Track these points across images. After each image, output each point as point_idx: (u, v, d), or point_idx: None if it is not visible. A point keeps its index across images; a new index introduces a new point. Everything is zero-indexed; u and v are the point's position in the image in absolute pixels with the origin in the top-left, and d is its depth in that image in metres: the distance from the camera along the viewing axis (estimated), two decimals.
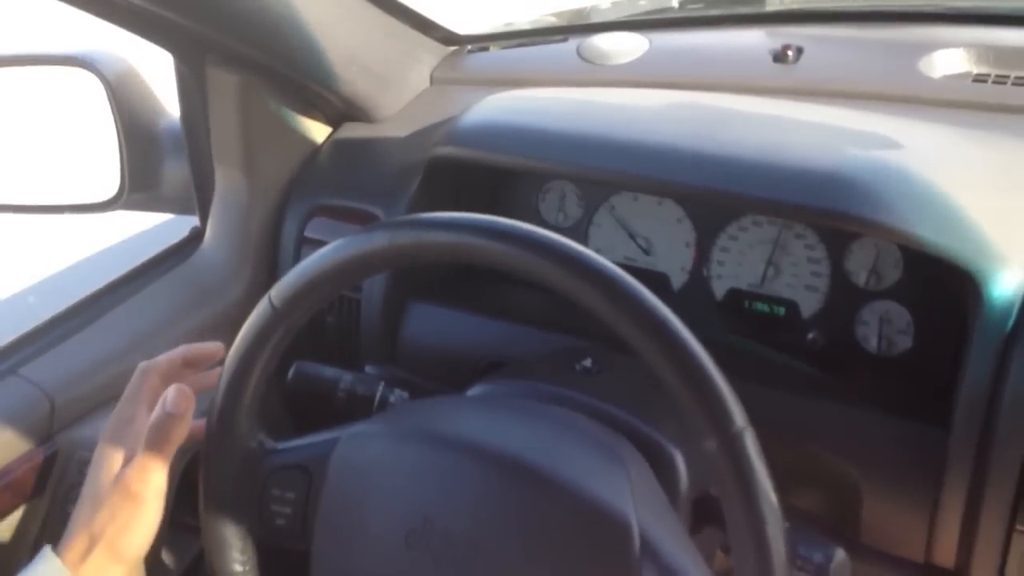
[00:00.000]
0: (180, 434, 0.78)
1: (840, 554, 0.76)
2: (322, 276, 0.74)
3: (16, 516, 0.96)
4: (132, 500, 0.76)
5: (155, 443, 0.77)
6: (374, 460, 0.77)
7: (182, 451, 1.02)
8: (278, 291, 0.75)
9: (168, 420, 0.77)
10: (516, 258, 0.68)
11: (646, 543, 0.68)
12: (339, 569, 0.77)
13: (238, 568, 0.80)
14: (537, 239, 0.68)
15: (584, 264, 0.66)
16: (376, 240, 0.72)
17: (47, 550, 0.76)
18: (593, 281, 0.66)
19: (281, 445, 0.81)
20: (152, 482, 0.77)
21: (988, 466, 0.81)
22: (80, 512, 0.78)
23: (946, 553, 0.85)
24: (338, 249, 0.73)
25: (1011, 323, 0.81)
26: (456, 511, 0.73)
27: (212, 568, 0.81)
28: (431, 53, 1.33)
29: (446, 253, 0.72)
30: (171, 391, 0.78)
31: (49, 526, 0.98)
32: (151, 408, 0.80)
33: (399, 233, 0.72)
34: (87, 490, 0.79)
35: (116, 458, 0.78)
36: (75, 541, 0.76)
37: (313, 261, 0.74)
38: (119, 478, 0.77)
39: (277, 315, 0.75)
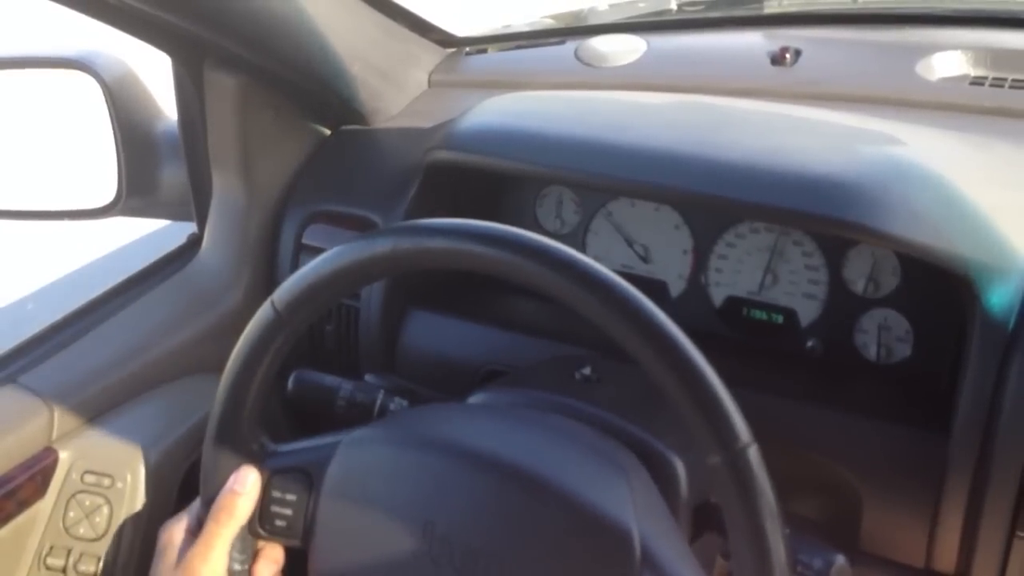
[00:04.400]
0: (244, 512, 0.78)
1: (840, 560, 0.76)
2: (325, 280, 0.74)
3: (16, 524, 0.96)
4: None
5: (218, 519, 0.78)
6: (375, 465, 0.78)
7: (185, 455, 1.03)
8: (280, 295, 0.75)
9: (232, 497, 0.78)
10: (521, 268, 0.68)
11: (647, 554, 0.68)
12: (338, 571, 0.78)
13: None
14: (543, 250, 0.68)
15: (590, 277, 0.66)
16: (379, 246, 0.72)
17: None
18: (599, 295, 0.66)
19: (282, 448, 0.81)
20: (212, 560, 0.77)
21: (989, 472, 0.81)
22: None
23: (947, 559, 0.86)
24: (341, 254, 0.73)
25: (1010, 329, 0.81)
26: (457, 518, 0.73)
27: None
28: (429, 55, 1.33)
29: (450, 260, 0.71)
30: (242, 470, 0.79)
31: (49, 534, 0.98)
32: None
33: (402, 239, 0.72)
34: None
35: (175, 545, 0.80)
36: None
37: (316, 265, 0.74)
38: (182, 560, 0.78)
39: (279, 319, 0.75)
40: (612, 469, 0.75)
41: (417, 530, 0.74)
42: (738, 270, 1.04)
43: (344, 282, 0.74)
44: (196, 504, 0.82)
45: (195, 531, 0.79)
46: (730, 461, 0.63)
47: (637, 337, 0.65)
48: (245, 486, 0.78)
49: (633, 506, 0.71)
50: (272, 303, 0.75)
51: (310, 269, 0.74)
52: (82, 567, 0.98)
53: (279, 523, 0.79)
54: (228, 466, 0.79)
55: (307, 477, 0.79)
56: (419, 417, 0.85)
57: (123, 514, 0.99)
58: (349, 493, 0.77)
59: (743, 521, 0.63)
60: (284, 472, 0.80)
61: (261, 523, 0.80)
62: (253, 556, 0.82)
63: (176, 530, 0.81)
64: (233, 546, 0.79)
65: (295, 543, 0.80)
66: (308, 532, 0.79)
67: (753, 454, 0.63)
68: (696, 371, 0.64)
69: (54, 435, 0.99)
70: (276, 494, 0.79)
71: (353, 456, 0.78)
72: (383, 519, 0.76)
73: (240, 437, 0.79)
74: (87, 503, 0.99)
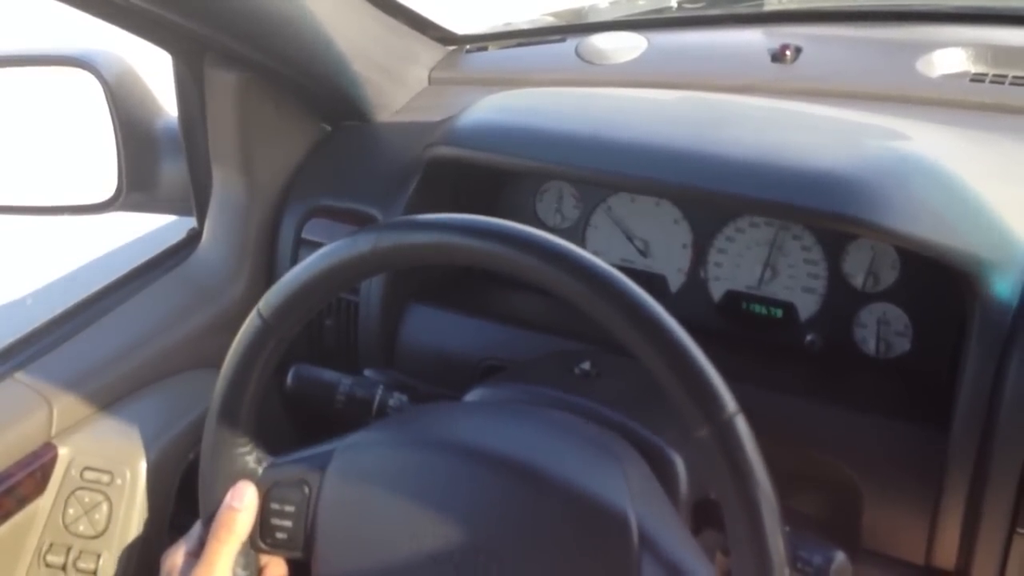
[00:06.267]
0: (244, 527, 0.78)
1: (840, 556, 0.76)
2: (309, 285, 0.73)
3: (16, 521, 0.96)
4: None
5: (218, 537, 0.78)
6: (370, 468, 0.78)
7: (185, 451, 1.03)
8: (266, 302, 0.75)
9: (231, 513, 0.78)
10: (498, 255, 0.68)
11: (644, 536, 0.69)
12: None
13: None
14: (516, 235, 0.68)
15: (564, 257, 0.66)
16: (360, 246, 0.72)
17: None
18: (575, 274, 0.66)
19: (279, 459, 0.81)
20: None
21: (988, 468, 0.81)
22: None
23: (947, 555, 0.85)
24: (323, 257, 0.73)
25: (1009, 323, 0.81)
26: (452, 515, 0.73)
27: None
28: (429, 53, 1.33)
29: (430, 254, 0.71)
30: (239, 484, 0.79)
31: (49, 531, 0.98)
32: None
33: (382, 237, 0.72)
34: None
35: (177, 569, 0.79)
36: None
37: (299, 271, 0.74)
38: None
39: (267, 327, 0.75)
40: (607, 457, 0.75)
41: (413, 531, 0.74)
42: (737, 264, 1.04)
43: (329, 285, 0.74)
44: (196, 527, 0.82)
45: (196, 553, 0.79)
46: (717, 432, 0.62)
47: (613, 312, 0.65)
48: (243, 501, 0.78)
49: (629, 491, 0.71)
50: (259, 311, 0.75)
51: (295, 274, 0.74)
52: (82, 564, 0.98)
53: (280, 535, 0.79)
54: (225, 482, 0.79)
55: (305, 487, 0.79)
56: (414, 418, 0.85)
57: (123, 511, 0.99)
58: (346, 498, 0.77)
59: (735, 493, 0.63)
60: (281, 484, 0.79)
61: (262, 537, 0.79)
62: (258, 573, 0.81)
63: (177, 555, 0.80)
64: (236, 562, 0.79)
65: (296, 555, 0.79)
66: (309, 542, 0.78)
67: (740, 423, 0.62)
68: (675, 343, 0.63)
69: (53, 431, 0.99)
70: (275, 506, 0.79)
71: (348, 461, 0.78)
72: (380, 522, 0.76)
73: (236, 451, 0.79)
74: (87, 500, 0.99)
